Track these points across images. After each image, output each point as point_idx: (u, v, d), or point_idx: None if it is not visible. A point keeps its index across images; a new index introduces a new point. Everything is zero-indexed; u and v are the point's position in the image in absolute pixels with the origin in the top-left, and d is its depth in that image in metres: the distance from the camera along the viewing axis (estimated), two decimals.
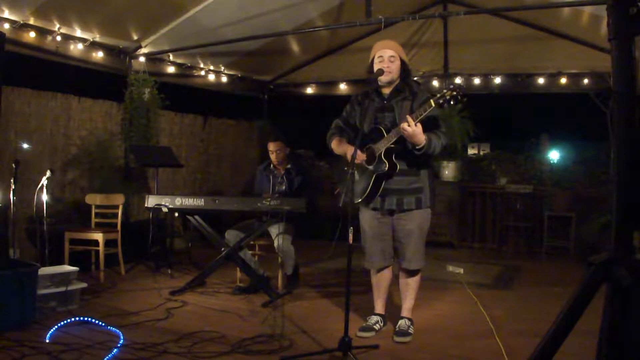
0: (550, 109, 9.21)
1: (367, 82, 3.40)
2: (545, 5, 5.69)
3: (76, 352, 2.90)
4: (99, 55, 5.89)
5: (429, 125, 3.08)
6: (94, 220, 5.26)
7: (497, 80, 7.20)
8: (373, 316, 3.47)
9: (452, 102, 2.93)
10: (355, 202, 3.28)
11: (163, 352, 2.94)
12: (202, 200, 4.23)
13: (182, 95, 7.20)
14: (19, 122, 5.36)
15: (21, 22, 4.99)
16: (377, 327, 3.40)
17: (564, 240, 6.64)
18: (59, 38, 5.38)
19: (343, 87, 8.08)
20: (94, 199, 5.30)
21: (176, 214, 5.81)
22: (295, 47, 7.34)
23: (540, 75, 7.00)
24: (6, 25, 4.91)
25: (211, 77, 7.41)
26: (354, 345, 2.87)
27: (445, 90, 2.96)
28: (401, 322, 3.35)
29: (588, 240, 6.05)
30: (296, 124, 8.54)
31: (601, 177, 6.57)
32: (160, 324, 3.50)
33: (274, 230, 4.36)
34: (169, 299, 4.15)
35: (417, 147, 3.05)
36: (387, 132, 3.15)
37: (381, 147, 3.15)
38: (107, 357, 2.83)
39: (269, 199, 4.00)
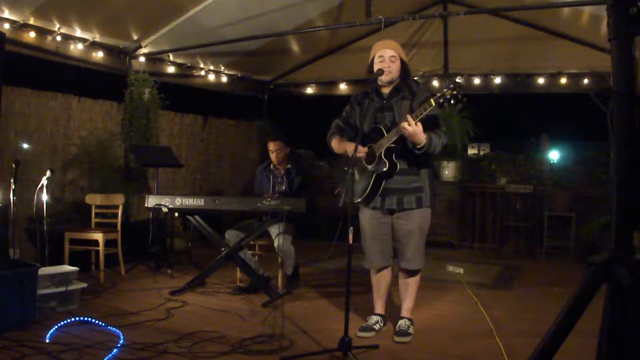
0: (550, 109, 9.22)
1: (367, 82, 3.39)
2: (545, 5, 5.69)
3: (76, 352, 2.90)
4: (99, 55, 5.89)
5: (429, 124, 3.08)
6: (94, 220, 5.26)
7: (497, 80, 7.19)
8: (373, 316, 3.47)
9: (452, 102, 2.93)
10: (355, 201, 3.28)
11: (163, 352, 2.94)
12: (202, 200, 4.24)
13: (182, 95, 7.19)
14: (19, 122, 5.36)
15: (21, 22, 4.99)
16: (377, 327, 3.40)
17: (564, 240, 6.64)
18: (59, 38, 5.38)
19: (343, 87, 8.07)
20: (94, 199, 5.30)
21: (176, 214, 5.81)
22: (295, 47, 7.34)
23: (540, 75, 6.99)
24: (6, 25, 4.91)
25: (211, 77, 7.41)
26: (354, 345, 2.87)
27: (445, 90, 2.95)
28: (401, 322, 3.35)
29: (588, 240, 6.05)
30: (296, 124, 8.53)
31: (601, 177, 6.57)
32: (160, 324, 3.50)
33: (274, 230, 4.36)
34: (169, 299, 4.15)
35: (417, 147, 3.05)
36: (387, 132, 3.15)
37: (381, 146, 3.15)
38: (107, 357, 2.83)
39: (269, 199, 4.00)
